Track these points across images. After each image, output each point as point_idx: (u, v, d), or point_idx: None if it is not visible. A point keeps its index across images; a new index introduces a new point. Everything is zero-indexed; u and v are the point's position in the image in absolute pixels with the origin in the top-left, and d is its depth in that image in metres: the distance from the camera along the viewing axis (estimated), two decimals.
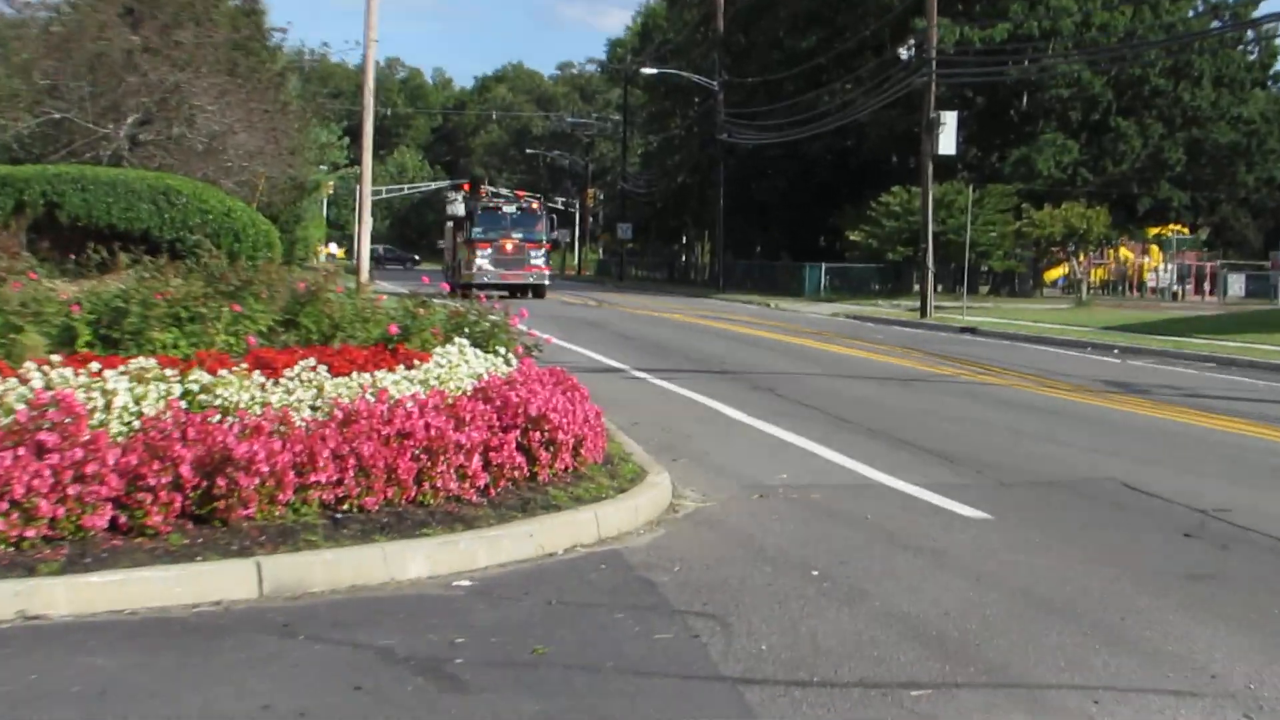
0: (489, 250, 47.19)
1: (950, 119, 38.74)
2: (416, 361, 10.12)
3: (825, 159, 65.64)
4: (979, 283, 58.74)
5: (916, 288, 48.94)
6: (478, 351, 10.98)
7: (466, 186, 54.81)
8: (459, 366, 10.16)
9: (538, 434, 9.02)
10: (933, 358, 24.11)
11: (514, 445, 8.76)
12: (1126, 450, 12.70)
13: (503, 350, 11.36)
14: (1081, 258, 57.01)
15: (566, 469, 9.32)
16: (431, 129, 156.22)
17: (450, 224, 52.95)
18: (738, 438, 13.00)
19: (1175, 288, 59.18)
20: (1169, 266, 60.92)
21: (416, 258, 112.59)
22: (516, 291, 47.36)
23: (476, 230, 47.67)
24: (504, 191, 61.22)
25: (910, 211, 52.42)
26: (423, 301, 12.17)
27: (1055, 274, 62.09)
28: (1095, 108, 57.43)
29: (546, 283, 48.59)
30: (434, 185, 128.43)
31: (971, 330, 32.97)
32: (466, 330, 11.96)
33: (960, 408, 16.06)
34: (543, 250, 48.31)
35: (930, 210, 40.52)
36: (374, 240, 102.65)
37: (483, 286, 43.83)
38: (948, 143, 38.73)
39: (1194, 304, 53.01)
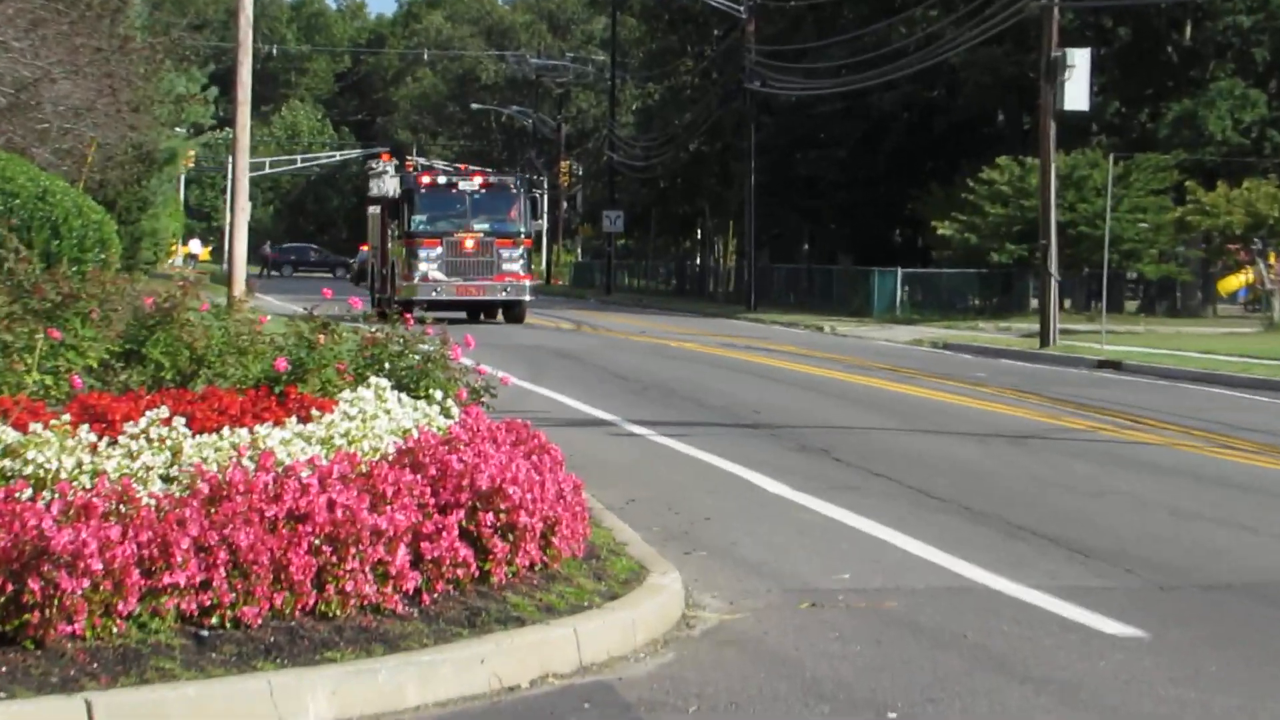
0: (439, 250, 45.31)
1: (1081, 60, 38.85)
2: (315, 412, 10.14)
3: (901, 118, 65.84)
4: (1123, 296, 58.74)
5: (1034, 303, 48.95)
6: (403, 397, 11.02)
7: (386, 157, 54.30)
8: (376, 419, 10.19)
9: (490, 515, 9.03)
10: (1058, 405, 24.15)
11: (456, 532, 8.76)
12: None
13: (439, 395, 11.39)
14: (1273, 260, 57.13)
15: (532, 566, 9.33)
16: (336, 75, 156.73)
17: (376, 210, 50.76)
18: (778, 521, 13.03)
19: None
20: None
21: (352, 262, 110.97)
22: (481, 312, 46.56)
23: (418, 219, 45.74)
24: (438, 164, 60.78)
25: (1024, 193, 52.54)
26: (324, 325, 12.18)
27: (1235, 283, 62.17)
28: None
29: (527, 298, 46.91)
30: (340, 156, 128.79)
31: (1113, 365, 33.03)
32: (387, 366, 12.00)
33: (1098, 477, 16.06)
34: (521, 250, 46.68)
35: (1053, 191, 40.57)
36: (257, 234, 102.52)
37: (430, 305, 41.94)
38: (1077, 94, 38.82)
39: None
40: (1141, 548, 12.07)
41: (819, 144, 68.45)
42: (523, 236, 46.95)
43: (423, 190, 46.38)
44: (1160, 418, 22.41)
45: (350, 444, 9.71)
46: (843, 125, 66.26)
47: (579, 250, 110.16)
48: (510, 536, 9.11)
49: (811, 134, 68.49)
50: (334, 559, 8.17)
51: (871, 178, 66.23)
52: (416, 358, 12.18)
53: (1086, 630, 9.41)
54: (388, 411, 10.42)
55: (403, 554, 8.41)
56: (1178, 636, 9.34)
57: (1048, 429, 20.58)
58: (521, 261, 46.69)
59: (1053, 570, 11.14)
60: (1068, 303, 54.19)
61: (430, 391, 11.54)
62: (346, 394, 10.70)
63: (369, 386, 10.84)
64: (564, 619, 8.61)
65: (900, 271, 58.12)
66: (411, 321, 12.82)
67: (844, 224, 71.48)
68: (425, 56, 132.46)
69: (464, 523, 8.91)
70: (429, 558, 8.57)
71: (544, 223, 50.17)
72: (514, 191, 47.63)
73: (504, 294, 46.04)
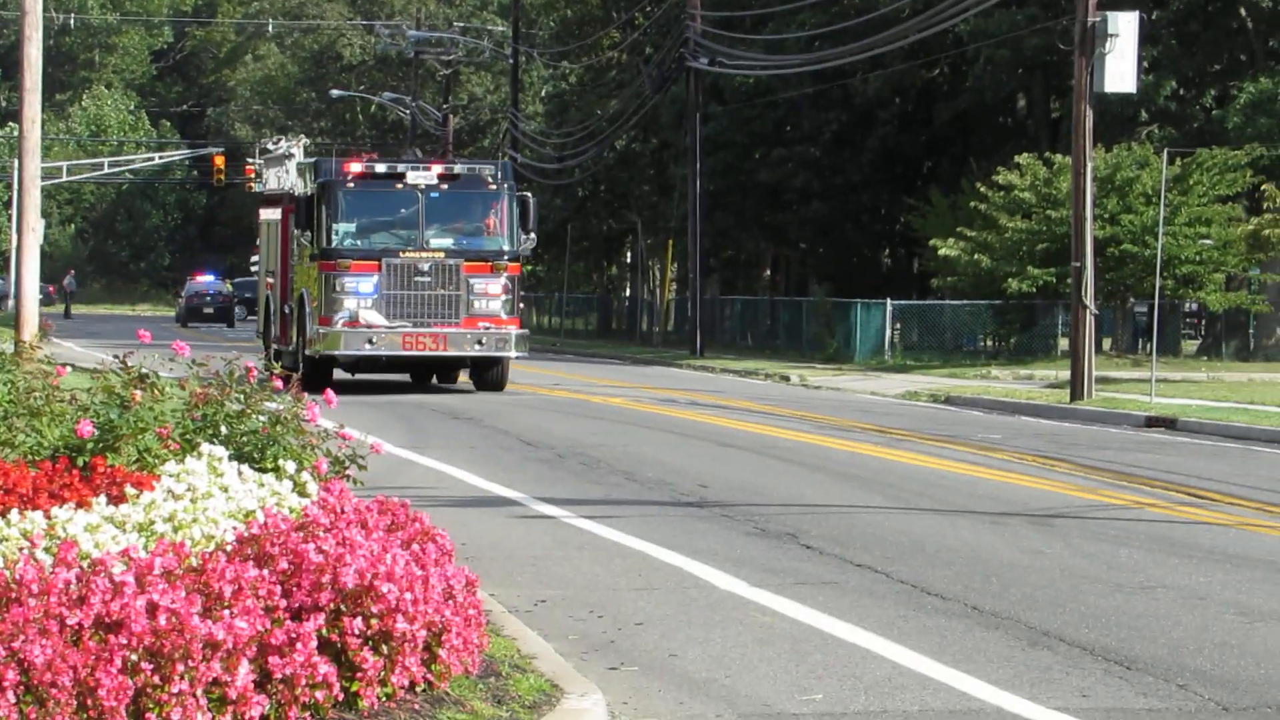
0: (375, 278, 39.84)
1: (1127, 27, 38.83)
2: (131, 489, 10.18)
3: (891, 105, 66.21)
4: (1180, 334, 58.92)
5: (1064, 344, 49.09)
6: (245, 469, 11.10)
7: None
8: (210, 498, 10.25)
9: (358, 621, 9.07)
10: (1094, 475, 24.31)
11: (314, 643, 8.77)
12: None
13: (291, 467, 11.49)
14: None
15: (413, 686, 9.36)
16: (153, 54, 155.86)
17: (273, 215, 46.60)
18: (730, 626, 13.09)
19: None
20: None
21: (179, 298, 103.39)
22: (435, 373, 43.59)
23: (343, 230, 40.30)
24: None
25: (1052, 202, 52.71)
26: (141, 377, 12.21)
27: None
28: None
29: (511, 354, 41.58)
30: (160, 158, 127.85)
31: (1166, 423, 33.30)
32: (224, 430, 12.08)
33: (1146, 567, 16.19)
34: (504, 279, 41.22)
35: (1089, 198, 40.58)
36: (53, 260, 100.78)
37: (361, 364, 40.63)
38: (1122, 71, 38.87)
39: None
40: (1200, 657, 12.14)
41: (784, 140, 68.43)
42: (506, 259, 41.58)
43: (350, 183, 40.78)
44: (1226, 490, 22.53)
45: (177, 530, 9.74)
46: (815, 116, 66.39)
47: None
48: (384, 648, 9.12)
49: (775, 127, 68.47)
50: (156, 679, 8.13)
51: (853, 184, 66.40)
52: (261, 419, 12.24)
53: None
54: (225, 488, 10.47)
55: (245, 672, 8.39)
56: None
57: (1081, 506, 20.67)
58: (504, 298, 41.29)
59: (1085, 687, 11.21)
60: (1107, 343, 54.35)
61: (280, 463, 11.63)
62: (171, 466, 10.73)
63: (200, 457, 10.89)
64: None
65: (890, 304, 58.32)
66: (255, 373, 12.82)
67: (817, 243, 71.59)
68: (269, 28, 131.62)
69: (324, 631, 8.91)
70: (279, 676, 8.56)
71: (531, 238, 41.88)
72: (493, 188, 41.95)
73: (477, 347, 40.85)
